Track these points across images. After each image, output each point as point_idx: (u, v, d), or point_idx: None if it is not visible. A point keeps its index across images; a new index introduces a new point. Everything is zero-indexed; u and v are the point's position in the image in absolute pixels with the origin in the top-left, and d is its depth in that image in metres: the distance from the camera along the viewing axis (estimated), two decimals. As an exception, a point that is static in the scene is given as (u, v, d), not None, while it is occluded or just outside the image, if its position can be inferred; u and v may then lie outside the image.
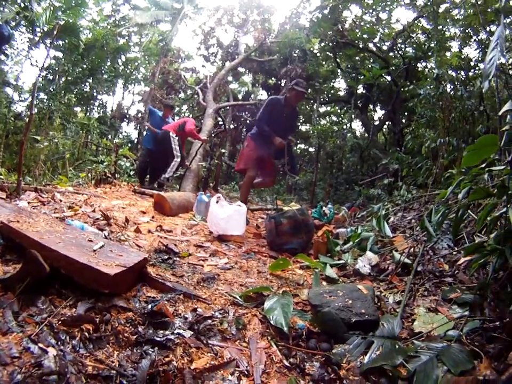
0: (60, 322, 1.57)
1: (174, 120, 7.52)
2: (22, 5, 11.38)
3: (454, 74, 6.57)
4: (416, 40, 10.95)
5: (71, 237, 2.27)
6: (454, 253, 2.88)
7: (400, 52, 11.34)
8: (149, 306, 1.83)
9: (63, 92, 14.24)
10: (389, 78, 11.38)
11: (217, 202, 3.90)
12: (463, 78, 6.55)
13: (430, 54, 9.46)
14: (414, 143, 7.61)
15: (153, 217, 4.12)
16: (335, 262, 3.12)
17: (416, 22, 10.59)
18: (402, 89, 10.71)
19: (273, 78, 16.12)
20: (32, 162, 8.53)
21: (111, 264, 1.93)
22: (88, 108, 17.39)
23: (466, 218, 2.92)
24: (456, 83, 6.11)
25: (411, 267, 2.65)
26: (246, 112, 17.10)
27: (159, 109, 8.55)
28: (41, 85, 13.16)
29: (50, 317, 1.58)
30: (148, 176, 7.78)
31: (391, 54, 11.63)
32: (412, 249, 3.03)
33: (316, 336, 1.81)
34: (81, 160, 10.93)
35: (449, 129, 5.87)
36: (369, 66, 11.46)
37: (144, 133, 10.07)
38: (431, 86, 6.32)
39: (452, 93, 5.96)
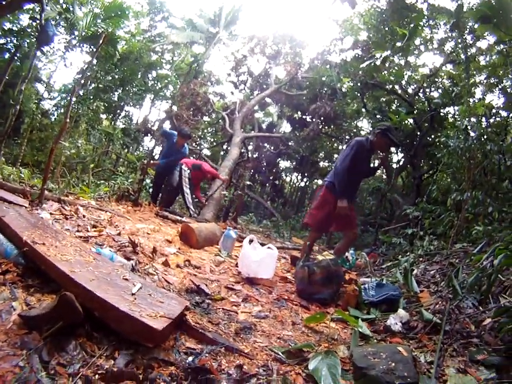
0: (97, 376, 1.43)
1: (187, 149, 7.23)
2: (64, 6, 11.61)
3: (475, 120, 6.44)
4: (442, 86, 10.89)
5: (104, 273, 2.08)
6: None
7: (425, 97, 11.25)
8: (190, 359, 1.71)
9: (91, 97, 14.32)
10: (411, 121, 11.25)
11: (250, 243, 3.73)
12: (485, 126, 6.53)
13: (455, 101, 9.35)
14: (438, 193, 7.40)
15: (179, 248, 3.94)
16: (365, 316, 2.99)
17: (443, 67, 10.58)
18: (425, 135, 10.59)
19: (299, 113, 16.06)
20: (53, 162, 8.44)
21: (155, 315, 1.75)
22: (114, 117, 17.47)
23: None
24: (483, 136, 5.98)
25: (439, 326, 2.55)
26: (269, 144, 17.06)
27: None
28: (71, 86, 13.25)
29: (84, 368, 1.45)
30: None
31: (416, 98, 11.53)
32: (437, 305, 2.98)
33: None
34: (101, 168, 10.88)
35: (475, 182, 5.74)
36: (395, 109, 11.39)
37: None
38: (460, 137, 6.15)
39: (479, 146, 5.82)
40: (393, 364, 1.81)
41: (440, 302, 3.01)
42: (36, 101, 12.42)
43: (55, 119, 13.76)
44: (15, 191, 3.67)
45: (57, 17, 11.50)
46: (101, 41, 4.76)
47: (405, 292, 3.47)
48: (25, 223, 2.56)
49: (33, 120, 10.87)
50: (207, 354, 1.78)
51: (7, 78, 10.28)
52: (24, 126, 11.66)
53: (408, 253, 5.53)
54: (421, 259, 4.98)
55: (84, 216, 3.85)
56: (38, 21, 4.95)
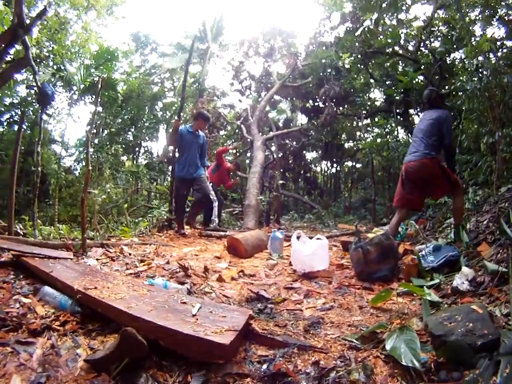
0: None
1: (203, 137, 6.72)
2: (55, 67, 11.98)
3: (483, 58, 6.14)
4: (440, 33, 10.54)
5: (161, 301, 2.05)
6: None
7: (427, 49, 10.95)
8: (264, 366, 1.67)
9: (107, 143, 14.66)
10: (422, 78, 10.86)
11: (298, 238, 3.68)
12: (494, 61, 6.22)
13: (457, 44, 8.99)
14: (469, 141, 7.07)
15: (230, 262, 3.90)
16: (430, 283, 2.93)
17: (435, 14, 10.20)
18: (439, 87, 10.18)
19: (310, 101, 15.85)
20: (88, 213, 8.62)
21: (220, 330, 1.71)
22: (135, 156, 17.80)
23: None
24: (496, 71, 5.70)
25: (506, 275, 2.49)
26: (290, 139, 16.92)
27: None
28: (85, 139, 13.57)
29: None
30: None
31: (419, 53, 11.21)
32: (499, 255, 2.91)
33: (444, 367, 1.66)
34: (135, 206, 11.06)
35: (502, 120, 5.45)
36: (402, 70, 11.09)
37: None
38: (474, 79, 5.84)
39: (495, 82, 5.58)
40: (470, 324, 1.76)
41: (501, 251, 2.94)
42: (56, 161, 12.81)
43: (78, 173, 14.16)
44: (58, 247, 3.67)
45: (52, 79, 11.88)
46: (99, 86, 4.80)
47: (463, 249, 3.42)
48: (73, 273, 2.56)
49: (59, 179, 11.18)
50: (280, 358, 1.74)
51: (23, 148, 10.65)
52: (51, 187, 12.00)
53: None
54: (469, 213, 4.82)
55: (129, 254, 3.89)
56: (35, 87, 5.08)
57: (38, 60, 11.20)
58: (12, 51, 4.27)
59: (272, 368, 1.64)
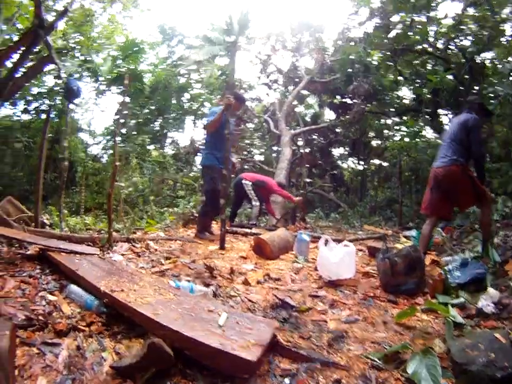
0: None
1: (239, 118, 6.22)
2: (82, 58, 12.11)
3: None
4: (470, 32, 10.10)
5: (187, 308, 2.01)
6: None
7: (457, 48, 10.55)
8: (287, 381, 1.67)
9: (134, 133, 14.78)
10: (450, 77, 10.53)
11: (325, 245, 3.60)
12: None
13: (488, 44, 8.64)
14: (500, 149, 6.76)
15: (256, 263, 3.83)
16: (455, 301, 2.84)
17: (465, 12, 9.79)
18: (469, 88, 9.84)
19: (338, 97, 15.59)
20: (114, 201, 8.77)
21: (247, 345, 1.67)
22: (161, 146, 17.93)
23: None
24: None
25: None
26: (318, 135, 16.73)
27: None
28: (113, 128, 13.76)
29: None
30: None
31: (449, 52, 10.86)
32: None
33: None
34: (161, 196, 11.14)
35: None
36: (431, 69, 10.86)
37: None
38: (506, 82, 5.55)
39: None
40: (492, 355, 1.74)
41: None
42: (83, 149, 13.01)
43: (106, 161, 14.36)
44: (84, 241, 3.69)
45: (79, 69, 12.02)
46: (126, 82, 4.77)
47: (490, 266, 3.35)
48: (99, 271, 2.54)
49: (85, 167, 11.38)
50: (303, 374, 1.74)
51: (51, 135, 10.83)
52: (78, 174, 12.24)
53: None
54: (498, 225, 4.73)
55: (155, 250, 3.88)
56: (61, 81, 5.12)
57: (65, 51, 11.33)
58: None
59: None
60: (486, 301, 2.62)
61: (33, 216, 4.01)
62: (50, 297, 2.26)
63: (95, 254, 3.13)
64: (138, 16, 14.71)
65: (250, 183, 6.74)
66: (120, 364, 1.61)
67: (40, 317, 1.95)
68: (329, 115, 18.09)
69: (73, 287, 2.33)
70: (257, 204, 6.70)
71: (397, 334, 2.32)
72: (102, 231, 4.55)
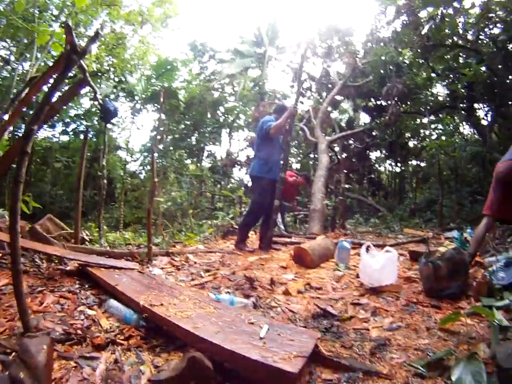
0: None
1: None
2: (116, 79, 12.50)
3: None
4: (500, 20, 9.79)
5: (228, 321, 1.97)
6: None
7: (488, 37, 10.32)
8: None
9: (171, 148, 15.11)
10: (484, 68, 10.13)
11: (367, 251, 3.52)
12: None
13: None
14: None
15: (296, 272, 3.77)
16: (499, 303, 2.64)
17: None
18: (504, 78, 9.43)
19: (373, 100, 15.38)
20: (153, 215, 8.96)
21: (288, 357, 1.61)
22: (198, 160, 18.25)
23: None
24: None
25: None
26: (354, 140, 16.53)
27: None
28: (150, 145, 14.12)
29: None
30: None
31: (480, 42, 10.62)
32: None
33: None
34: (199, 208, 11.27)
35: None
36: (464, 62, 10.64)
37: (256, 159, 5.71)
38: None
39: None
40: None
41: None
42: (122, 167, 13.41)
43: (144, 176, 14.73)
44: (123, 256, 3.73)
45: (114, 90, 12.43)
46: (162, 100, 4.84)
47: None
48: (139, 286, 2.53)
49: (124, 184, 11.70)
50: (345, 383, 1.70)
51: (90, 154, 11.24)
52: (117, 190, 12.63)
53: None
54: None
55: (194, 262, 3.90)
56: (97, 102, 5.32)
57: (99, 74, 11.80)
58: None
59: None
60: None
61: (73, 233, 4.09)
62: (89, 312, 2.26)
63: (134, 268, 3.13)
64: (169, 36, 15.25)
65: None
66: (158, 377, 1.58)
67: (79, 331, 1.95)
68: (364, 119, 18.01)
69: (113, 302, 2.32)
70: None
71: (440, 340, 2.24)
72: (142, 246, 4.59)
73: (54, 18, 10.01)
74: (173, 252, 4.17)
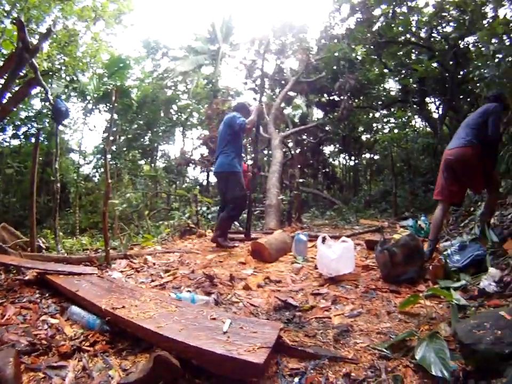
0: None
1: None
2: (68, 78, 12.13)
3: (497, 41, 5.93)
4: (452, 18, 10.16)
5: (190, 318, 2.02)
6: None
7: (440, 35, 10.68)
8: (296, 380, 1.68)
9: (125, 149, 14.80)
10: (435, 65, 10.63)
11: (323, 242, 3.62)
12: (509, 43, 5.91)
13: (471, 29, 8.71)
14: None
15: (255, 267, 3.83)
16: (456, 284, 2.88)
17: None
18: (455, 73, 9.95)
19: (326, 95, 15.70)
20: (109, 219, 8.78)
21: (253, 348, 1.67)
22: (152, 160, 17.94)
23: None
24: None
25: None
26: (307, 135, 16.85)
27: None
28: (103, 146, 13.77)
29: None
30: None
31: (432, 40, 10.99)
32: None
33: (473, 376, 1.68)
34: (155, 210, 11.15)
35: None
36: (416, 58, 10.97)
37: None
38: (491, 64, 5.61)
39: None
40: (499, 332, 1.76)
41: None
42: (75, 170, 13.04)
43: (98, 179, 14.35)
44: (82, 261, 3.69)
45: (66, 90, 12.04)
46: (114, 99, 4.77)
47: (489, 247, 3.36)
48: (99, 291, 2.54)
49: (78, 188, 11.38)
50: (312, 371, 1.75)
51: (42, 158, 10.84)
52: (71, 195, 12.25)
53: (479, 203, 5.27)
54: None
55: (153, 263, 3.89)
56: (49, 102, 5.14)
57: (51, 73, 11.38)
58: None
59: (304, 382, 1.66)
60: (488, 281, 2.65)
61: (29, 241, 3.99)
62: (52, 321, 2.25)
63: (93, 273, 3.11)
64: (122, 33, 14.77)
65: None
66: (127, 380, 1.61)
67: (43, 341, 1.95)
68: (317, 114, 18.25)
69: (74, 308, 2.33)
70: None
71: (402, 322, 2.35)
72: (99, 250, 4.54)
73: (5, 14, 9.61)
74: (131, 254, 4.15)
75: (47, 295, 2.67)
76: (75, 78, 12.15)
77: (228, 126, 5.06)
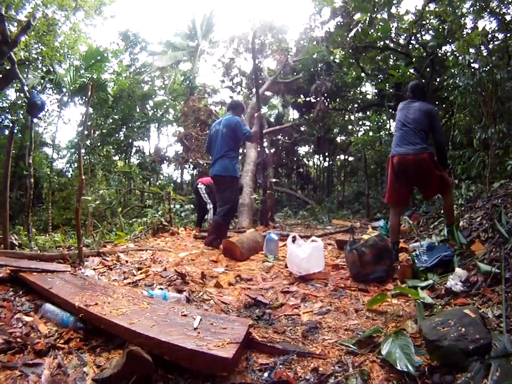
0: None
1: None
2: (44, 69, 11.83)
3: (474, 51, 6.20)
4: (432, 27, 10.48)
5: (162, 315, 2.08)
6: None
7: (419, 43, 10.95)
8: (266, 374, 1.73)
9: (99, 144, 14.56)
10: (412, 71, 10.89)
11: (293, 242, 3.70)
12: (486, 54, 6.27)
13: (449, 38, 9.00)
14: (461, 136, 7.10)
15: (227, 266, 3.91)
16: (424, 283, 2.96)
17: (426, 8, 10.11)
18: (431, 80, 10.22)
19: (302, 96, 15.86)
20: (82, 215, 8.65)
21: (222, 344, 1.74)
22: (127, 156, 17.70)
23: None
24: (489, 65, 5.69)
25: (499, 275, 2.53)
26: (282, 135, 16.96)
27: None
28: (77, 141, 13.51)
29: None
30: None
31: (410, 47, 11.23)
32: (492, 253, 2.94)
33: (438, 371, 1.73)
34: (129, 207, 11.04)
35: (495, 115, 5.45)
36: (393, 64, 11.08)
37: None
38: (466, 72, 5.85)
39: (487, 76, 5.51)
40: (463, 329, 1.83)
41: (494, 249, 2.96)
42: (48, 165, 12.73)
43: (71, 175, 14.07)
44: (55, 258, 3.67)
45: (42, 81, 11.75)
46: (89, 92, 4.74)
47: (456, 249, 3.43)
48: (73, 288, 2.56)
49: (51, 183, 11.14)
50: (281, 366, 1.80)
51: (15, 152, 10.56)
52: (44, 190, 11.99)
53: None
54: (462, 208, 4.86)
55: (126, 261, 3.91)
56: (24, 94, 5.04)
57: (27, 63, 11.09)
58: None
59: (274, 376, 1.70)
60: (454, 280, 2.71)
61: (2, 237, 3.96)
62: (27, 319, 2.27)
63: (66, 271, 3.13)
64: (102, 24, 14.38)
65: (204, 186, 6.78)
66: (102, 376, 1.65)
67: (18, 339, 1.97)
68: (293, 115, 18.37)
69: (48, 306, 2.35)
70: (211, 206, 6.63)
71: (369, 320, 2.42)
72: (72, 247, 4.53)
73: (-17, 4, 9.29)
74: (104, 252, 4.15)
75: (20, 292, 2.67)
76: (51, 69, 11.84)
77: (232, 131, 5.02)
